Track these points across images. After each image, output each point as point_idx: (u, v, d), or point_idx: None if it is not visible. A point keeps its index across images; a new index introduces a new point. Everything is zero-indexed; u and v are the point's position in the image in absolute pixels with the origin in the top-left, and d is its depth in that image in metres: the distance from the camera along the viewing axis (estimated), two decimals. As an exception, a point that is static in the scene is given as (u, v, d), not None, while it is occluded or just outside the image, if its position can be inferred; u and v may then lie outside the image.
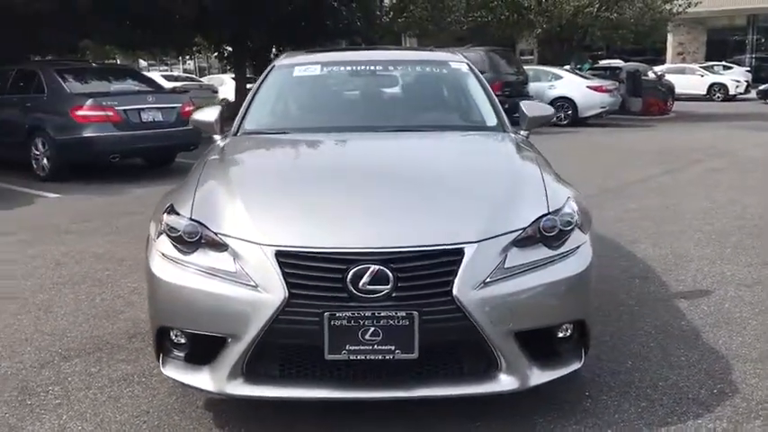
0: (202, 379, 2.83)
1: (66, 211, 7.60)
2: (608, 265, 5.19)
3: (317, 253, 2.71)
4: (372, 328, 2.66)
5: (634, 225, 6.56)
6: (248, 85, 20.13)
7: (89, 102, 9.39)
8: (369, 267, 2.67)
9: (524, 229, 2.91)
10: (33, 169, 9.83)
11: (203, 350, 2.85)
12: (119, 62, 29.12)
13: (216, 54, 21.37)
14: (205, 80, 27.34)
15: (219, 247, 2.85)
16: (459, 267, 2.71)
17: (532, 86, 17.77)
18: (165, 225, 3.01)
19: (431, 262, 2.73)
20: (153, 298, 2.99)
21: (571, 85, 18.63)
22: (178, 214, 3.01)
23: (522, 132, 4.27)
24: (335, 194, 3.12)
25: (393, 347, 2.68)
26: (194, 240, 2.91)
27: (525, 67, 19.33)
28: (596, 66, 26.48)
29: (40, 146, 9.73)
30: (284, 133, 4.06)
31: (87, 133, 9.30)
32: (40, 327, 4.17)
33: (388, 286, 2.67)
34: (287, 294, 2.66)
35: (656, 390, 3.26)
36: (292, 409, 3.02)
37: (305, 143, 3.97)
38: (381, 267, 2.67)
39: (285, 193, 3.19)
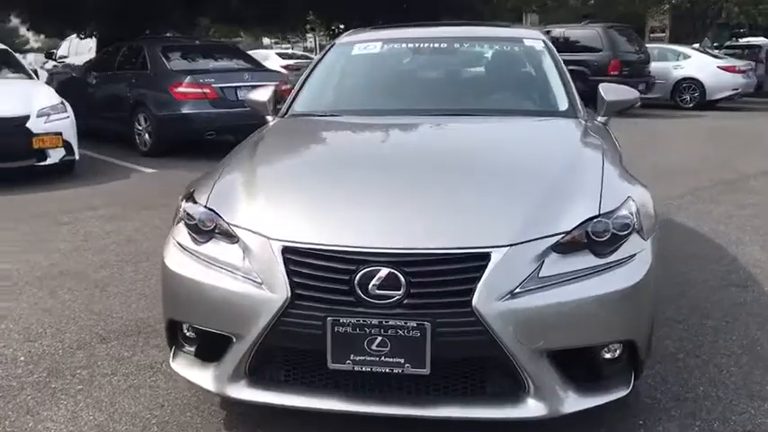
0: (206, 377, 2.65)
1: (157, 187, 7.73)
2: (702, 269, 4.65)
3: (324, 251, 2.46)
4: (380, 338, 2.38)
5: (744, 224, 5.89)
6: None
7: (187, 79, 9.53)
8: (379, 270, 2.39)
9: (568, 232, 2.52)
10: (136, 144, 10.13)
11: (211, 347, 2.66)
12: (243, 40, 29.85)
13: (329, 32, 21.33)
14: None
15: (231, 238, 2.65)
16: (482, 274, 2.37)
17: (656, 66, 16.65)
18: (183, 212, 2.86)
19: (450, 267, 2.41)
20: (163, 289, 2.84)
21: (699, 64, 17.30)
22: (196, 202, 2.85)
23: (599, 119, 3.83)
24: (361, 187, 2.84)
25: (402, 360, 2.39)
26: (209, 230, 2.73)
27: (651, 46, 18.16)
28: (732, 44, 24.53)
29: (142, 121, 10.00)
30: (332, 116, 3.81)
31: (185, 110, 9.45)
32: (91, 305, 4.17)
33: (400, 292, 2.37)
34: (289, 295, 2.42)
35: (726, 424, 2.79)
36: (307, 418, 2.80)
37: (348, 128, 3.71)
38: (393, 270, 2.38)
39: (308, 184, 2.93)
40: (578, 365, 2.55)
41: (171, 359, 2.83)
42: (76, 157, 8.43)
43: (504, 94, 3.96)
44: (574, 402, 2.48)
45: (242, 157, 3.24)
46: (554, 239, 2.50)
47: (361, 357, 2.40)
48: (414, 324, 2.36)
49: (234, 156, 3.30)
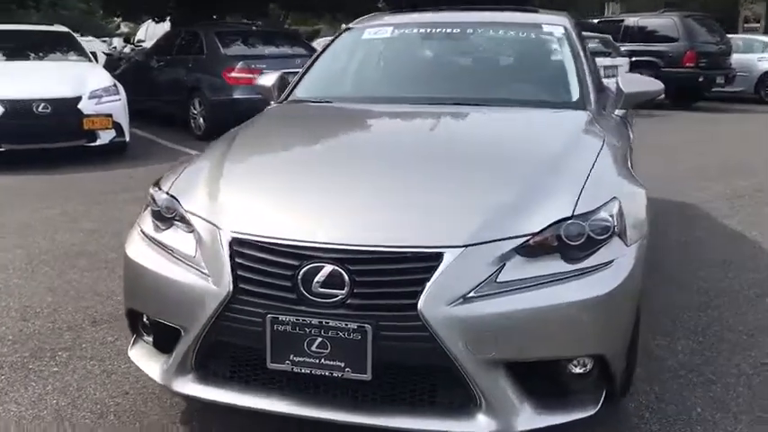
0: (156, 369, 2.57)
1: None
2: (738, 277, 4.30)
3: (269, 244, 2.33)
4: (320, 339, 2.24)
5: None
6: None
7: (240, 64, 9.58)
8: (323, 267, 2.24)
9: (535, 234, 2.31)
10: (191, 128, 10.27)
11: (165, 339, 2.58)
12: (323, 28, 29.91)
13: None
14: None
15: (189, 227, 2.56)
16: (431, 276, 2.20)
17: (738, 58, 15.75)
18: (149, 198, 2.79)
19: (397, 267, 2.24)
20: (123, 276, 2.79)
21: (789, 57, 16.27)
22: (161, 188, 2.77)
23: (617, 112, 3.56)
24: (322, 180, 2.68)
25: (342, 364, 2.24)
26: (170, 217, 2.65)
27: (738, 36, 17.23)
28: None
29: (197, 105, 10.13)
30: (327, 102, 3.67)
31: (236, 95, 9.50)
32: (96, 286, 4.18)
33: (344, 291, 2.22)
34: (231, 289, 2.31)
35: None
36: (263, 418, 2.69)
37: (334, 117, 3.55)
38: (337, 268, 2.23)
39: (270, 175, 2.81)
40: (541, 379, 2.35)
41: (129, 347, 2.78)
42: (127, 138, 8.60)
43: (509, 84, 3.71)
44: (530, 420, 2.27)
45: (219, 144, 3.15)
46: (518, 241, 2.29)
47: (301, 359, 2.27)
48: (354, 326, 2.20)
49: (214, 143, 3.21)
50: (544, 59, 3.81)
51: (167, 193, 2.70)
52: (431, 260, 2.22)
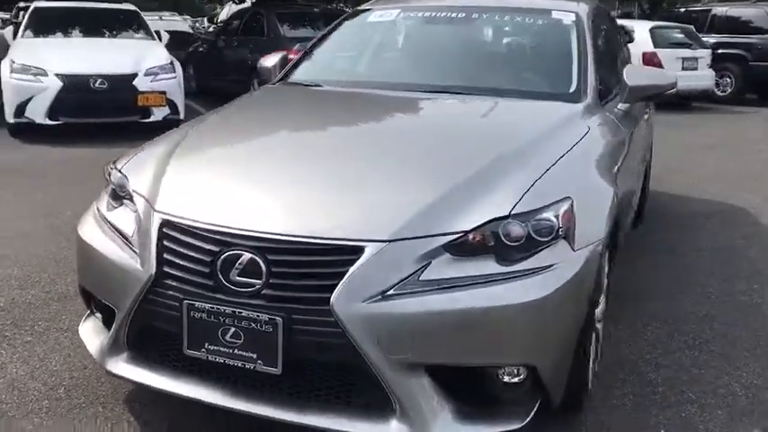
0: (95, 347, 2.58)
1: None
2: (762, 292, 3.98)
3: (191, 227, 2.28)
4: (233, 329, 2.18)
5: None
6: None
7: (297, 46, 9.57)
8: (242, 254, 2.18)
9: (467, 232, 2.17)
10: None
11: (106, 317, 2.60)
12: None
13: None
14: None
15: (133, 205, 2.55)
16: (349, 270, 2.10)
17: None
18: (106, 176, 2.80)
19: (315, 259, 2.15)
20: (75, 253, 2.80)
21: None
22: (116, 167, 2.77)
23: (619, 106, 3.32)
24: (263, 167, 2.62)
25: (255, 356, 2.18)
26: (122, 196, 2.64)
27: None
28: None
29: (257, 86, 10.22)
30: (317, 86, 3.57)
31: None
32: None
33: (260, 281, 2.15)
34: (154, 271, 2.28)
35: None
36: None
37: (311, 101, 3.45)
38: (255, 257, 2.16)
39: (217, 158, 2.76)
40: (468, 387, 2.21)
41: (81, 323, 2.80)
42: (181, 116, 8.76)
43: (502, 73, 3.50)
44: (448, 429, 2.14)
45: (187, 125, 3.12)
46: (448, 239, 2.16)
47: (215, 347, 2.22)
48: (266, 318, 2.13)
49: (186, 123, 3.19)
50: (545, 48, 3.60)
51: (120, 171, 2.69)
52: (350, 253, 2.12)
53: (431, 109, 3.18)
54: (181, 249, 2.28)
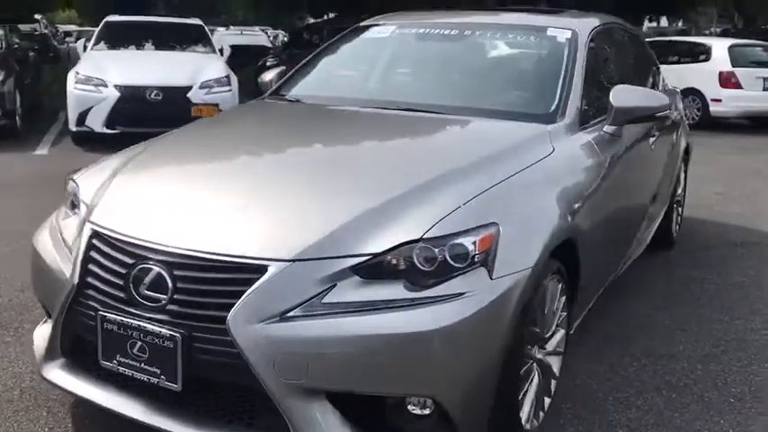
0: (38, 352, 2.64)
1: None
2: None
3: (113, 239, 2.31)
4: (140, 343, 2.18)
5: None
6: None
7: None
8: (152, 269, 2.18)
9: (376, 255, 2.10)
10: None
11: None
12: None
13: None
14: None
15: (80, 214, 2.60)
16: (248, 289, 2.06)
17: None
18: (65, 183, 2.87)
19: (218, 276, 2.13)
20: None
21: None
22: (72, 176, 2.84)
23: (606, 128, 3.16)
24: (197, 182, 2.60)
25: (159, 371, 2.17)
26: (75, 204, 2.70)
27: None
28: None
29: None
30: (298, 101, 3.56)
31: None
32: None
33: (166, 296, 2.15)
34: (76, 282, 2.32)
35: None
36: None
37: (278, 117, 3.44)
38: (162, 271, 2.16)
39: (162, 173, 2.77)
40: (374, 416, 2.13)
41: (37, 327, 2.86)
42: (234, 128, 8.96)
43: (483, 91, 3.38)
44: (346, 459, 2.06)
45: (153, 139, 3.18)
46: (355, 261, 2.10)
47: (125, 360, 2.22)
48: (168, 333, 2.12)
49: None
50: (532, 66, 3.46)
51: (74, 181, 2.76)
52: (253, 272, 2.09)
53: (389, 127, 3.10)
54: (102, 260, 2.31)
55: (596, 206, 2.93)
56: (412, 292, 2.09)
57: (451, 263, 2.12)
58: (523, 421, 2.44)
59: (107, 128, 8.42)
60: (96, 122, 8.41)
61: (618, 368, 3.21)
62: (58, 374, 2.48)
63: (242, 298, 2.05)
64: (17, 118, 9.09)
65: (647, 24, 40.05)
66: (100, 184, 2.65)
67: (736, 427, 2.77)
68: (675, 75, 12.53)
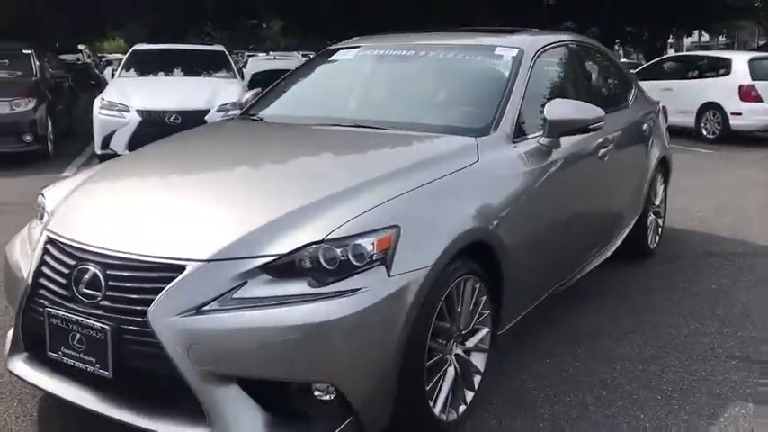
0: (6, 346, 2.93)
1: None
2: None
3: (61, 243, 2.60)
4: (79, 335, 2.45)
5: None
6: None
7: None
8: (89, 269, 2.46)
9: (282, 255, 2.34)
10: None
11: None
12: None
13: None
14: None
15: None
16: (167, 285, 2.32)
17: None
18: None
19: (142, 274, 2.39)
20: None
21: None
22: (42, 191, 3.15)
23: (541, 140, 3.34)
24: (141, 191, 2.92)
25: (94, 360, 2.43)
26: (43, 215, 3.00)
27: None
28: None
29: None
30: (260, 119, 3.84)
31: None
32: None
33: (99, 293, 2.42)
34: (30, 282, 2.61)
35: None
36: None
37: (232, 133, 3.78)
38: (97, 271, 2.44)
39: (115, 184, 3.05)
40: (282, 400, 2.36)
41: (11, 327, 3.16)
42: (250, 149, 9.33)
43: (425, 108, 3.61)
44: (251, 438, 2.29)
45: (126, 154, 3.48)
46: (264, 260, 2.34)
47: (68, 351, 2.49)
48: (99, 326, 2.39)
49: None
50: (474, 83, 3.66)
51: (42, 194, 3.07)
52: (172, 270, 2.34)
53: (330, 142, 3.34)
54: (52, 262, 2.60)
55: (524, 214, 3.11)
56: (315, 288, 2.31)
57: (352, 261, 2.34)
58: (437, 411, 2.63)
59: (129, 150, 8.83)
60: (119, 145, 8.85)
61: (558, 368, 3.36)
62: (20, 367, 2.76)
63: (161, 293, 2.31)
64: (49, 143, 9.63)
65: (689, 40, 39.44)
66: (62, 197, 2.95)
67: (655, 421, 2.90)
68: (696, 89, 12.58)
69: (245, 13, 18.86)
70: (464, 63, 3.80)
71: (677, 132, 12.68)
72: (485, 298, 2.85)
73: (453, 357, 2.73)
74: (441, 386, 2.65)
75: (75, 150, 10.40)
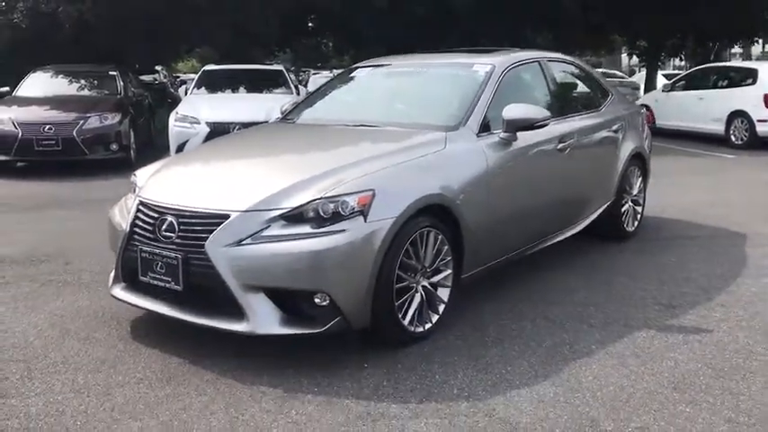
0: (109, 280, 4.17)
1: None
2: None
3: (149, 203, 3.81)
4: (160, 263, 3.65)
5: None
6: (663, 80, 19.64)
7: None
8: (166, 219, 3.66)
9: (294, 208, 3.49)
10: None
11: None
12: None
13: (629, 51, 21.14)
14: (635, 77, 26.90)
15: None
16: (218, 227, 3.49)
17: None
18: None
19: (201, 221, 3.58)
20: (109, 224, 4.43)
21: None
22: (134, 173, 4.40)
23: (501, 135, 4.39)
24: (204, 167, 4.19)
25: (170, 279, 3.62)
26: (134, 189, 4.23)
27: None
28: None
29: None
30: (292, 122, 5.06)
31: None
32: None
33: (174, 234, 3.62)
34: (128, 230, 3.83)
35: (424, 380, 3.41)
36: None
37: (272, 131, 5.04)
38: (172, 220, 3.64)
39: (189, 164, 4.30)
40: (295, 304, 3.50)
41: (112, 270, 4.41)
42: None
43: (412, 110, 4.77)
44: (270, 328, 3.44)
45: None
46: (282, 211, 3.49)
47: (153, 275, 3.69)
48: (173, 255, 3.58)
49: None
50: (453, 91, 4.74)
51: (134, 174, 4.31)
52: (221, 218, 3.52)
53: (337, 135, 4.53)
54: (142, 216, 3.81)
55: (481, 189, 4.16)
56: (315, 229, 3.45)
57: (341, 212, 3.46)
58: (406, 323, 3.71)
59: (199, 157, 10.23)
60: (191, 153, 10.25)
61: (514, 308, 4.38)
62: (120, 292, 3.99)
63: (214, 232, 3.48)
64: (131, 151, 11.12)
65: (737, 49, 38.79)
66: (149, 175, 4.18)
67: (573, 337, 3.90)
68: (725, 98, 13.27)
69: (304, 35, 20.38)
70: (448, 77, 4.93)
71: (708, 139, 13.43)
72: (446, 247, 3.91)
73: (420, 288, 3.81)
74: (409, 305, 3.74)
75: (154, 158, 11.62)
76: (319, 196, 3.49)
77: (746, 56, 41.01)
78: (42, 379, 3.46)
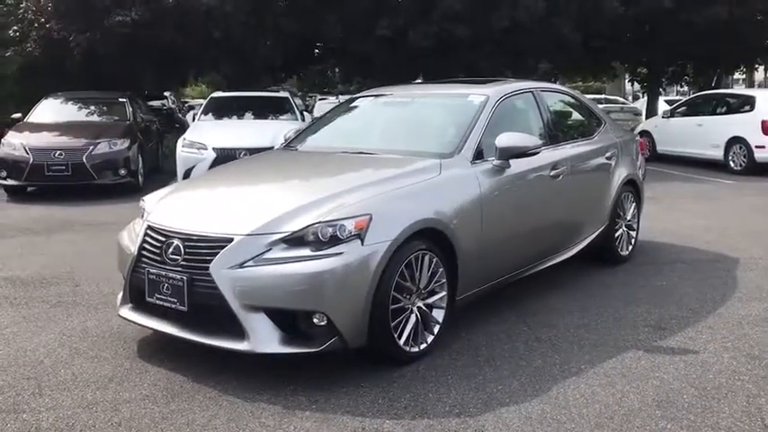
0: (117, 301, 4.34)
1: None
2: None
3: (156, 228, 4.00)
4: (166, 284, 3.82)
5: None
6: (664, 106, 19.86)
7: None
8: (173, 242, 3.84)
9: (294, 232, 3.66)
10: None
11: (127, 283, 4.36)
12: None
13: (630, 78, 21.41)
14: (638, 103, 27.13)
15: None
16: (221, 251, 3.67)
17: None
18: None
19: (207, 244, 3.76)
20: (119, 248, 4.62)
21: None
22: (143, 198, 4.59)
23: (494, 162, 4.57)
24: (208, 193, 4.38)
25: (175, 300, 3.79)
26: (143, 214, 4.42)
27: None
28: None
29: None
30: (294, 149, 5.25)
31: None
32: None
33: (179, 257, 3.80)
34: (136, 252, 4.01)
35: (418, 397, 3.56)
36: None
37: (273, 158, 5.24)
38: (178, 244, 3.82)
39: (190, 189, 4.51)
40: (290, 323, 3.66)
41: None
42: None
43: (409, 138, 4.95)
44: (269, 346, 3.60)
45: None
46: (282, 235, 3.67)
47: (160, 296, 3.87)
48: (179, 277, 3.75)
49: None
50: (449, 121, 4.93)
51: (143, 200, 4.50)
52: (225, 242, 3.70)
53: (338, 162, 4.72)
54: (150, 240, 4.00)
55: (475, 213, 4.33)
56: (314, 251, 3.62)
57: (339, 236, 3.63)
58: (401, 343, 3.86)
59: (205, 182, 10.45)
60: (198, 178, 10.47)
61: (507, 329, 4.53)
62: (127, 313, 4.17)
63: (218, 255, 3.66)
64: (139, 176, 11.34)
65: (740, 75, 38.96)
66: (156, 201, 4.37)
67: (564, 358, 4.04)
68: (724, 124, 13.46)
69: (310, 62, 20.74)
70: (444, 106, 5.15)
71: (708, 165, 13.60)
72: (441, 270, 4.07)
73: (416, 308, 3.96)
74: (405, 326, 3.89)
75: (161, 183, 11.90)
76: (318, 220, 3.67)
77: (749, 82, 41.22)
78: (53, 395, 3.62)
